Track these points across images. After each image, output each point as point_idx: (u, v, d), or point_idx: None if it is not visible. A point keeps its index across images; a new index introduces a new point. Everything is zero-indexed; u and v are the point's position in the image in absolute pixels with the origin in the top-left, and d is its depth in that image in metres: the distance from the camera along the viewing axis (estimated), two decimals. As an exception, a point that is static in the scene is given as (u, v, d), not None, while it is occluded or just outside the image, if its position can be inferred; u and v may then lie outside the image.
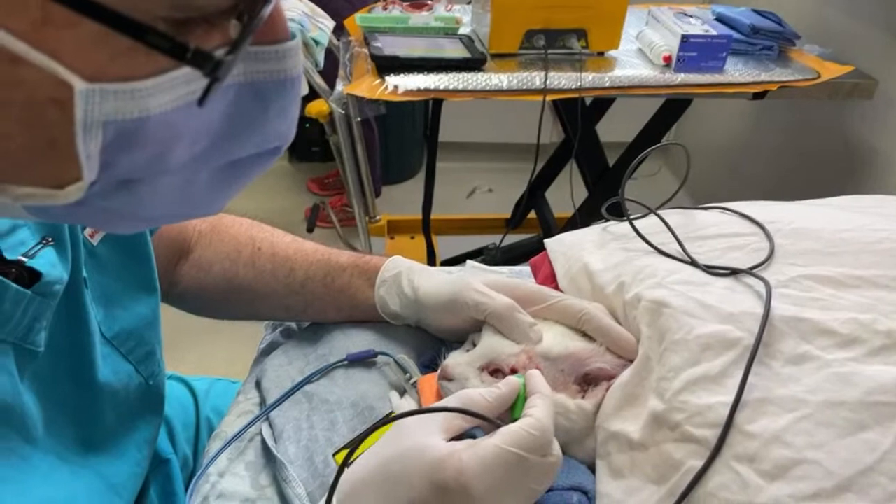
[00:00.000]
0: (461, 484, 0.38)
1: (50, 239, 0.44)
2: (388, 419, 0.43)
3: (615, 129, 1.87)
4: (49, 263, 0.43)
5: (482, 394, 0.44)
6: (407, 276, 0.61)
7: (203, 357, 1.88)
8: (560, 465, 0.43)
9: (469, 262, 0.73)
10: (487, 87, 1.35)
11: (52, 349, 0.46)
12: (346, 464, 0.41)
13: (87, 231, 0.50)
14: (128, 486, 0.54)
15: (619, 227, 0.65)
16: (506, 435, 0.41)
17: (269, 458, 0.56)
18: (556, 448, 0.43)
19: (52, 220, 0.36)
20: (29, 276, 0.42)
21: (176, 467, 0.71)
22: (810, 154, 1.97)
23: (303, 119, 1.95)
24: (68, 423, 0.49)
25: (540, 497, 0.48)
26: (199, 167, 0.31)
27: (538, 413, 0.42)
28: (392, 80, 1.33)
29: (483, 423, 0.43)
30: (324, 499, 0.41)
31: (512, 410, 0.45)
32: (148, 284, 0.57)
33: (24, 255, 0.42)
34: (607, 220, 0.68)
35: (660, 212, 0.66)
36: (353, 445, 0.41)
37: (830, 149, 1.87)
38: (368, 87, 1.33)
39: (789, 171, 2.07)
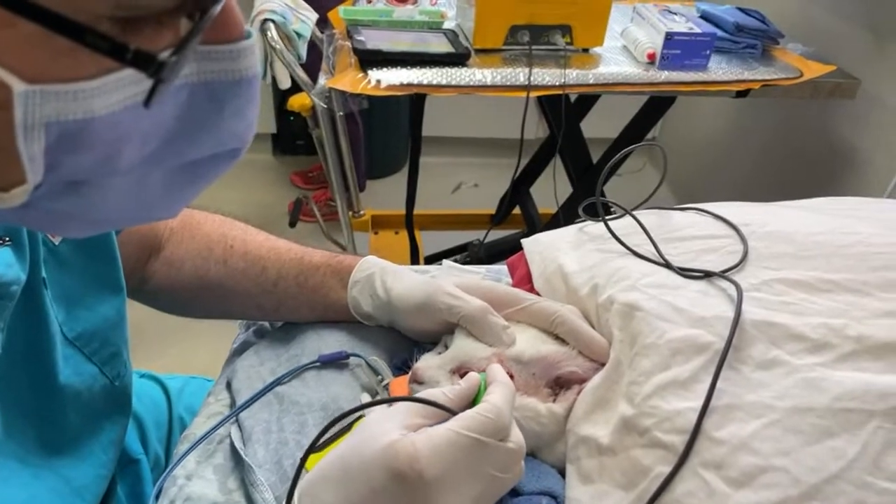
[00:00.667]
0: (416, 470, 0.38)
1: (7, 239, 0.43)
2: (349, 411, 0.42)
3: (600, 126, 1.87)
4: (5, 264, 0.42)
5: (444, 391, 0.44)
6: (380, 276, 0.60)
7: (184, 352, 1.86)
8: (523, 452, 0.43)
9: (445, 261, 0.72)
10: (471, 83, 1.34)
11: (10, 351, 0.45)
12: (303, 463, 0.41)
13: None
14: (91, 488, 0.54)
15: (596, 228, 0.65)
16: (460, 419, 0.41)
17: (238, 461, 0.55)
18: (517, 435, 0.43)
19: (1, 222, 0.35)
20: None
21: (146, 468, 0.70)
22: (793, 153, 1.98)
23: (286, 112, 1.93)
24: (29, 426, 0.48)
25: (508, 498, 0.47)
26: (151, 169, 0.30)
27: (493, 398, 0.42)
28: (375, 74, 1.31)
29: (445, 416, 0.43)
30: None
31: (473, 405, 0.45)
32: (113, 284, 0.56)
33: None
34: (584, 220, 0.67)
35: (637, 212, 0.66)
36: (318, 447, 0.41)
37: (813, 148, 1.88)
38: (351, 80, 1.31)
39: (773, 169, 2.08)
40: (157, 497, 0.53)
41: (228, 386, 0.63)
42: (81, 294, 0.52)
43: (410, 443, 0.38)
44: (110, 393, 0.57)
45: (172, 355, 1.86)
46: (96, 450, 0.55)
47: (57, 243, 0.50)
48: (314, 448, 0.43)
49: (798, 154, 1.95)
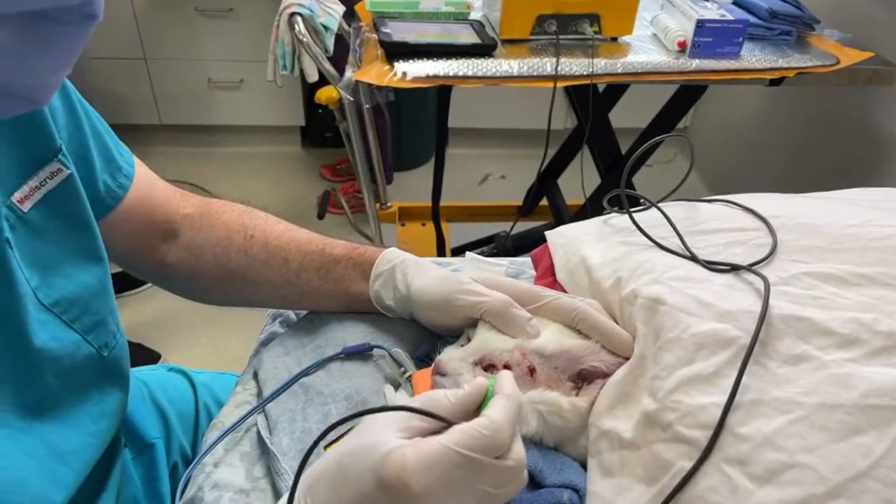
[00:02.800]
0: (402, 481, 0.37)
1: None
2: (339, 421, 0.42)
3: (629, 116, 1.84)
4: None
5: (446, 394, 0.42)
6: (401, 270, 0.60)
7: (215, 342, 1.90)
8: (522, 468, 0.41)
9: (469, 253, 0.72)
10: (497, 74, 1.33)
11: None
12: (308, 456, 0.40)
13: (16, 197, 0.49)
14: (79, 455, 0.54)
15: (621, 220, 0.64)
16: (454, 433, 0.39)
17: (264, 449, 0.56)
18: (517, 451, 0.40)
19: None
20: None
21: (161, 452, 0.71)
22: (830, 142, 1.93)
23: (315, 105, 1.95)
24: (5, 387, 0.48)
25: (529, 491, 0.47)
26: None
27: (493, 413, 0.40)
28: (401, 66, 1.31)
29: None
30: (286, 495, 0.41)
31: (479, 412, 0.42)
32: (92, 253, 0.56)
33: None
34: (610, 212, 0.67)
35: (663, 204, 0.65)
36: (325, 440, 0.41)
37: (850, 137, 1.83)
38: (377, 73, 1.32)
39: (809, 159, 2.03)
40: (185, 485, 0.54)
41: (255, 376, 0.65)
42: (57, 261, 0.52)
43: (401, 454, 0.38)
44: (98, 363, 0.57)
45: (204, 345, 1.90)
46: (84, 418, 0.55)
47: (26, 211, 0.50)
48: (306, 462, 0.41)
49: (835, 144, 1.90)
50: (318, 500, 0.40)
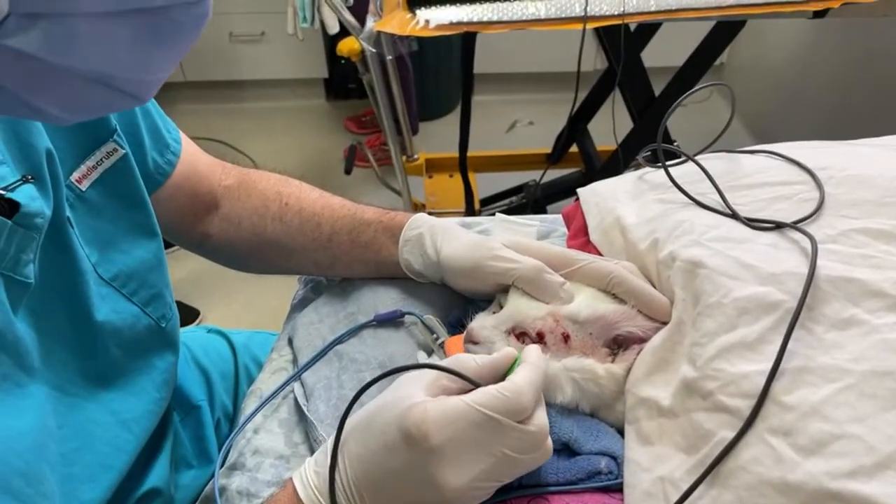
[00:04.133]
0: (422, 431, 0.39)
1: (30, 177, 0.45)
2: (373, 381, 0.44)
3: (662, 54, 1.76)
4: (28, 197, 0.44)
5: (474, 358, 0.44)
6: (430, 236, 0.60)
7: (249, 301, 1.93)
8: (545, 435, 0.42)
9: (498, 214, 0.71)
10: (524, 17, 1.28)
11: (46, 286, 0.47)
12: (346, 416, 0.43)
13: (75, 176, 0.51)
14: (141, 422, 0.57)
15: (657, 175, 0.62)
16: (477, 393, 0.41)
17: (302, 415, 0.57)
18: (540, 418, 0.42)
19: None
20: (9, 208, 0.43)
21: (207, 413, 0.74)
22: (879, 80, 1.82)
23: (338, 56, 1.91)
24: (70, 358, 0.50)
25: (567, 458, 0.47)
26: (107, 12, 0.29)
27: (517, 378, 0.42)
28: (423, 13, 1.27)
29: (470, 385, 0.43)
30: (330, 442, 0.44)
31: (504, 378, 0.44)
32: (147, 229, 0.58)
33: (4, 188, 0.43)
34: (643, 163, 0.64)
35: (702, 156, 0.62)
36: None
37: (900, 68, 1.73)
38: (399, 22, 1.28)
39: (855, 98, 1.92)
40: (226, 453, 0.55)
41: (290, 342, 0.65)
42: (114, 237, 0.55)
43: (423, 408, 0.40)
44: (157, 334, 0.59)
45: (240, 301, 1.93)
46: (148, 387, 0.58)
47: (84, 189, 0.51)
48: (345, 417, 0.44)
49: (886, 82, 1.80)
50: (350, 453, 0.42)
